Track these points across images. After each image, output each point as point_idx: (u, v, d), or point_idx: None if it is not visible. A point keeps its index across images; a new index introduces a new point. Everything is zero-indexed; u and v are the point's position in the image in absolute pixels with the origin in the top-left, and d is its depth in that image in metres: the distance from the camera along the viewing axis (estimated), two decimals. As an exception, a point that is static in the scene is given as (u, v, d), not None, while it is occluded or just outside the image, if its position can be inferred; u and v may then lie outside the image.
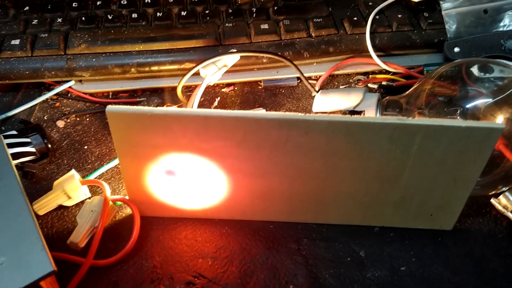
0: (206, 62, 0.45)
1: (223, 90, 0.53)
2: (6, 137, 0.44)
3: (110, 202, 0.38)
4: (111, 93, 0.53)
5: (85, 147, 0.46)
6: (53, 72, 0.51)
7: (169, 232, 0.39)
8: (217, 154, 0.34)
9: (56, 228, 0.39)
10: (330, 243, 0.38)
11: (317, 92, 0.46)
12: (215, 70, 0.46)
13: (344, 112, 0.41)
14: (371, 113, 0.41)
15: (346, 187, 0.36)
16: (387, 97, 0.43)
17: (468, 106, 0.40)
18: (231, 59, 0.47)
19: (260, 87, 0.54)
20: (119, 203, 0.40)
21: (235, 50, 0.47)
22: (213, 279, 0.36)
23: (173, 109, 0.31)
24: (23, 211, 0.29)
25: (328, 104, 0.42)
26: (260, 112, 0.31)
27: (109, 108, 0.32)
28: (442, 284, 0.36)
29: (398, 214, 0.38)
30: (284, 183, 0.36)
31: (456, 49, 0.53)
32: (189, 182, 0.37)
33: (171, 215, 0.39)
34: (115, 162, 0.43)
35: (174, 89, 0.53)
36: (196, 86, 0.50)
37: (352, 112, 0.41)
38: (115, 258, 0.36)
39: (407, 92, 0.43)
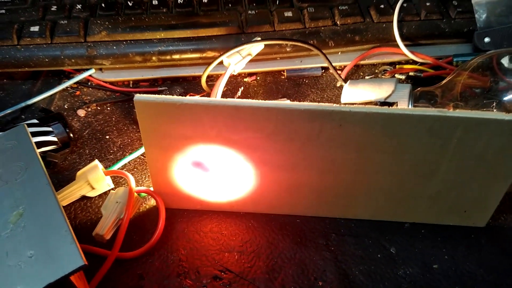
0: (230, 51, 0.44)
1: (245, 79, 0.52)
2: (28, 125, 0.43)
3: (135, 194, 0.37)
4: (131, 82, 0.52)
5: (107, 136, 0.45)
6: (73, 60, 0.50)
7: (194, 224, 0.38)
8: (246, 146, 0.33)
9: (80, 219, 0.38)
10: (360, 238, 0.37)
11: (344, 82, 0.45)
12: (239, 59, 0.45)
13: (375, 103, 0.39)
14: (403, 105, 0.39)
15: (379, 181, 0.35)
16: (419, 88, 0.41)
17: (504, 98, 0.38)
18: (256, 48, 0.46)
19: (283, 77, 0.52)
20: (143, 194, 0.39)
21: (259, 39, 0.46)
22: (240, 273, 0.35)
23: (203, 98, 0.30)
24: (51, 203, 0.28)
25: (358, 95, 0.41)
26: (292, 103, 0.30)
27: (137, 97, 0.31)
28: (476, 282, 0.35)
29: (431, 210, 0.37)
30: (314, 176, 0.35)
31: (487, 39, 0.51)
32: (216, 174, 0.36)
33: (196, 208, 0.39)
34: (138, 152, 0.42)
35: (196, 78, 0.52)
36: (218, 75, 0.48)
37: (384, 103, 0.39)
38: (140, 251, 0.35)
39: (440, 84, 0.41)
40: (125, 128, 0.46)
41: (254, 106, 0.30)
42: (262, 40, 0.45)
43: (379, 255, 0.36)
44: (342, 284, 0.35)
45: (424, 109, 0.30)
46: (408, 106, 0.40)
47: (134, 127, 0.46)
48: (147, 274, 0.35)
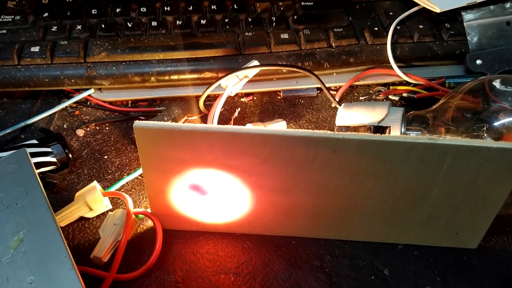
0: (228, 76, 0.45)
1: (242, 99, 0.53)
2: (27, 146, 0.44)
3: (133, 216, 0.37)
4: (130, 102, 0.52)
5: (105, 156, 0.46)
6: (73, 80, 0.51)
7: (191, 246, 0.38)
8: (242, 170, 0.34)
9: (78, 240, 0.39)
10: (354, 260, 0.38)
11: (339, 104, 0.46)
12: (236, 81, 0.46)
13: (368, 127, 0.40)
14: (396, 129, 0.40)
15: (372, 205, 0.36)
16: (411, 112, 0.42)
17: (495, 122, 0.39)
18: (252, 71, 0.47)
19: (279, 97, 0.53)
20: (141, 216, 0.40)
21: (257, 64, 0.47)
22: (236, 295, 0.36)
23: (200, 125, 0.31)
24: (51, 229, 0.29)
25: (352, 118, 0.42)
26: (287, 129, 0.30)
27: (137, 123, 0.31)
28: (468, 304, 0.36)
29: (423, 232, 0.38)
30: (308, 199, 0.36)
31: (478, 62, 0.52)
32: (213, 196, 0.36)
33: (193, 229, 0.39)
34: (136, 173, 0.43)
35: (194, 98, 0.53)
36: (216, 95, 0.49)
37: (377, 128, 0.40)
38: (137, 273, 0.36)
39: (432, 107, 0.42)
40: (123, 148, 0.47)
41: (250, 133, 0.31)
42: (258, 66, 0.46)
43: (373, 277, 0.37)
44: (336, 306, 0.35)
45: (415, 137, 0.31)
46: (401, 129, 0.41)
47: (132, 147, 0.47)
48: (144, 296, 0.35)
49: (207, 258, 0.38)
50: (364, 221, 0.37)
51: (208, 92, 0.45)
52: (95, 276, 0.35)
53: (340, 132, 0.31)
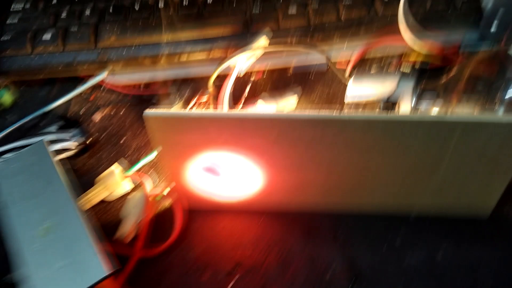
0: (236, 56, 0.45)
1: (251, 77, 0.53)
2: (46, 133, 0.45)
3: (152, 197, 0.39)
4: (142, 84, 0.53)
5: (122, 140, 0.48)
6: (85, 66, 0.52)
7: (208, 223, 0.40)
8: (253, 152, 0.35)
9: (102, 222, 0.41)
10: (366, 231, 0.39)
11: (348, 79, 0.46)
12: (244, 61, 0.46)
13: (378, 102, 0.40)
14: (407, 101, 0.40)
15: (382, 179, 0.37)
16: (423, 83, 0.42)
17: (509, 93, 0.39)
18: (260, 50, 0.47)
19: (290, 73, 0.53)
20: (159, 197, 0.41)
21: (266, 40, 0.47)
22: (253, 268, 0.37)
23: (209, 112, 0.32)
24: (74, 216, 0.31)
25: (361, 93, 0.42)
26: (293, 113, 0.31)
27: (147, 113, 0.32)
28: (480, 272, 0.37)
29: (435, 203, 0.38)
30: (319, 176, 0.37)
31: (493, 28, 0.51)
32: (227, 176, 0.38)
33: (210, 208, 0.41)
34: (152, 155, 0.44)
35: (204, 78, 0.53)
36: (225, 74, 0.50)
37: (387, 102, 0.40)
38: (160, 250, 0.38)
39: (444, 78, 0.42)
40: (139, 130, 0.48)
41: (257, 117, 0.32)
42: (263, 47, 0.47)
43: (385, 247, 0.38)
44: (350, 276, 0.37)
45: (422, 114, 0.31)
46: (412, 102, 0.41)
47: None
48: (167, 272, 0.37)
49: (224, 234, 0.39)
50: (375, 194, 0.38)
51: (216, 73, 0.45)
52: (120, 255, 0.37)
53: (348, 110, 0.31)
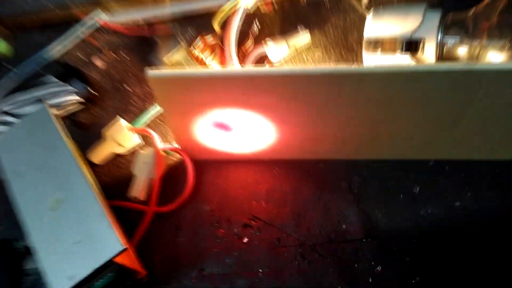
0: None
1: (260, 9, 0.49)
2: (47, 83, 0.43)
3: (162, 152, 0.38)
4: (143, 24, 0.49)
5: (127, 86, 0.45)
6: (82, 6, 0.48)
7: (222, 175, 0.40)
8: (265, 108, 0.33)
9: (115, 176, 0.40)
10: (382, 180, 0.38)
11: (367, 8, 0.42)
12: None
13: (400, 40, 0.37)
14: (431, 40, 0.36)
15: (401, 130, 0.35)
16: (450, 15, 0.38)
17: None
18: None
19: (302, 2, 0.49)
20: (170, 151, 0.40)
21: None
22: (268, 220, 0.37)
23: (217, 71, 0.29)
24: (84, 187, 0.30)
25: (382, 29, 0.38)
26: (308, 68, 0.28)
27: (151, 73, 0.30)
28: (498, 220, 0.36)
29: (456, 148, 0.37)
30: (335, 129, 0.35)
31: None
32: (237, 131, 0.36)
33: (222, 158, 0.40)
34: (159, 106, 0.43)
35: (209, 14, 0.49)
36: (232, 9, 0.45)
37: (409, 42, 0.36)
38: (174, 205, 0.38)
39: (474, 8, 0.37)
40: (143, 75, 0.46)
41: (270, 75, 0.29)
42: None
43: (401, 196, 0.37)
44: (365, 226, 0.36)
45: (448, 65, 0.28)
46: (437, 38, 0.37)
47: (152, 73, 0.46)
48: (183, 225, 0.38)
49: (238, 186, 0.39)
50: (394, 143, 0.36)
51: (222, 15, 0.41)
52: (135, 210, 0.38)
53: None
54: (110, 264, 0.27)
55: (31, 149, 0.32)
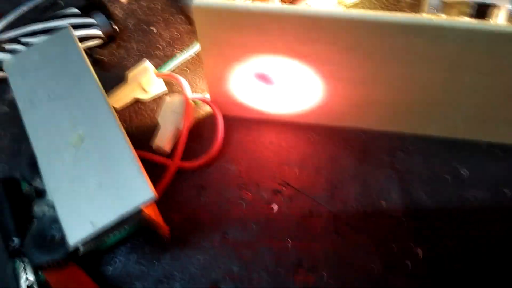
0: None
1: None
2: (68, 16, 0.39)
3: (191, 102, 0.35)
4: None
5: (153, 28, 0.41)
6: None
7: (253, 135, 0.36)
8: (316, 59, 0.29)
9: (136, 124, 0.37)
10: (429, 157, 0.35)
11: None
12: None
13: (471, 7, 0.33)
14: (504, 6, 0.32)
15: (464, 101, 0.31)
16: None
17: None
18: None
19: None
20: (199, 101, 0.37)
21: None
22: (301, 189, 0.34)
23: (272, 6, 0.25)
24: (112, 125, 0.26)
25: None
26: (379, 14, 0.25)
27: (196, 2, 0.26)
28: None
29: (514, 132, 0.33)
30: (390, 93, 0.31)
31: None
32: (278, 85, 0.32)
33: (254, 117, 0.36)
34: (190, 51, 0.39)
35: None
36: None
37: (481, 5, 0.32)
38: (200, 162, 0.34)
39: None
40: (173, 18, 0.42)
41: (334, 17, 0.25)
42: None
43: (447, 176, 0.34)
44: (406, 205, 0.33)
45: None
46: (510, 5, 0.33)
47: (182, 17, 0.42)
48: (208, 185, 0.34)
49: (270, 148, 0.35)
50: (448, 117, 0.33)
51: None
52: (158, 163, 0.34)
53: (438, 15, 0.25)
54: (138, 213, 0.24)
55: (49, 75, 0.28)
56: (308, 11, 0.26)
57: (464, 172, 0.34)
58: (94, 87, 0.28)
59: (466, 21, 0.25)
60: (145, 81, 0.35)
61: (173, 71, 0.38)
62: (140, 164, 0.26)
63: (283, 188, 0.34)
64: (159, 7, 0.43)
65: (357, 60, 0.29)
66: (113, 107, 0.36)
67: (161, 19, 0.42)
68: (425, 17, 0.25)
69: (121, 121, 0.36)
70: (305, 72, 0.30)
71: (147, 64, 0.36)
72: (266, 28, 0.27)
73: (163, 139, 0.33)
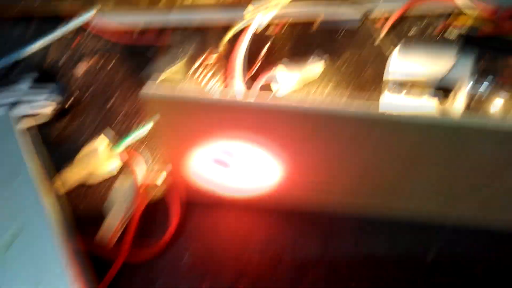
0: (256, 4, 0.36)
1: (270, 31, 0.44)
2: (20, 89, 0.37)
3: (144, 186, 0.32)
4: (137, 31, 0.44)
5: (111, 100, 0.40)
6: (68, 2, 0.42)
7: (210, 220, 0.34)
8: (275, 145, 0.28)
9: (84, 207, 0.34)
10: (395, 239, 0.33)
11: (391, 45, 0.38)
12: (265, 11, 0.37)
13: (429, 85, 0.33)
14: (464, 86, 0.32)
15: (427, 184, 0.30)
16: (483, 63, 0.34)
17: None
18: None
19: (314, 29, 0.44)
20: (153, 185, 0.34)
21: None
22: (261, 278, 0.32)
23: (226, 99, 0.24)
24: (47, 225, 0.24)
25: (408, 69, 0.34)
26: (336, 106, 0.24)
27: (144, 91, 0.25)
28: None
29: (482, 213, 0.32)
30: (352, 176, 0.30)
31: None
32: (237, 168, 0.31)
33: (212, 200, 0.34)
34: (147, 127, 0.37)
35: (214, 28, 0.44)
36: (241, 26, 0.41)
37: (441, 86, 0.32)
38: (151, 254, 0.31)
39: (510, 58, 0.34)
40: (132, 89, 0.40)
41: (289, 110, 0.24)
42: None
43: (413, 263, 0.32)
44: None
45: (499, 121, 0.24)
46: (469, 86, 0.33)
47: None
48: (159, 279, 0.31)
49: (228, 235, 0.33)
50: (412, 201, 0.32)
51: (233, 32, 0.36)
52: (102, 258, 0.31)
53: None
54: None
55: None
56: (263, 104, 0.24)
57: (430, 258, 0.33)
58: (31, 180, 0.26)
59: (428, 114, 0.24)
60: (96, 161, 0.33)
61: (128, 147, 0.36)
62: (76, 261, 0.23)
63: (242, 279, 0.32)
64: (118, 78, 0.41)
65: (317, 147, 0.28)
66: (61, 189, 0.34)
67: (120, 91, 0.40)
68: (381, 111, 0.24)
69: (67, 205, 0.34)
70: (263, 155, 0.29)
71: (98, 142, 0.33)
72: (223, 117, 0.26)
73: (109, 230, 0.30)
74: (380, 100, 0.35)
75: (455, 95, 0.33)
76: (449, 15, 0.44)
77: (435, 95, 0.33)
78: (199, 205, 0.34)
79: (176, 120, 0.27)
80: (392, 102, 0.35)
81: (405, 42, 0.37)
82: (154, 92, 0.24)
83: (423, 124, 0.24)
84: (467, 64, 0.33)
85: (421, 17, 0.45)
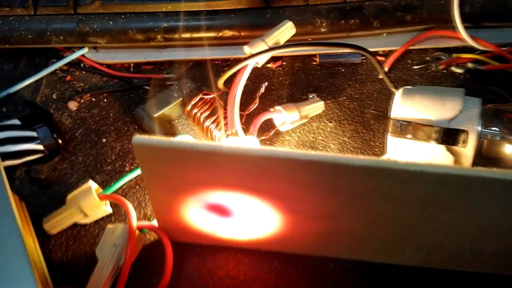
0: (254, 42, 0.35)
1: (268, 65, 0.43)
2: (7, 128, 0.36)
3: (137, 231, 0.30)
4: (132, 66, 0.43)
5: (104, 139, 0.38)
6: (61, 37, 0.41)
7: (207, 266, 0.32)
8: (274, 196, 0.26)
9: (73, 252, 0.32)
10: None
11: (395, 88, 0.37)
12: (262, 49, 0.36)
13: (436, 127, 0.31)
14: (472, 132, 0.31)
15: (438, 236, 0.28)
16: (491, 106, 0.33)
17: None
18: (285, 35, 0.37)
19: (315, 63, 0.43)
20: (146, 229, 0.33)
21: (291, 25, 0.37)
22: (261, 332, 0.30)
23: (220, 146, 0.22)
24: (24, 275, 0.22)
25: (414, 110, 0.33)
26: (340, 156, 0.22)
27: (136, 140, 0.23)
28: None
29: (496, 262, 0.30)
30: (358, 227, 0.28)
31: None
32: (235, 219, 0.29)
33: (209, 243, 0.32)
34: (139, 170, 0.35)
35: (211, 63, 0.43)
36: (238, 59, 0.39)
37: (448, 131, 0.31)
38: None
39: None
40: (125, 128, 0.39)
41: (290, 158, 0.23)
42: (290, 45, 0.36)
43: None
44: None
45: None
46: (478, 129, 0.31)
47: (136, 127, 0.39)
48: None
49: (226, 283, 0.31)
50: (423, 249, 0.30)
51: (231, 73, 0.35)
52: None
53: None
54: None
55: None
56: (260, 152, 0.23)
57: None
58: (15, 232, 0.24)
59: (439, 165, 0.22)
60: (86, 205, 0.31)
61: (120, 188, 0.35)
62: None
63: (242, 331, 0.30)
64: (112, 116, 0.40)
65: (319, 197, 0.26)
66: (49, 232, 0.32)
67: (113, 129, 0.39)
68: (390, 161, 0.23)
69: (54, 248, 0.32)
70: (261, 206, 0.27)
71: (89, 185, 0.32)
72: (217, 166, 0.24)
73: (99, 280, 0.28)
74: (385, 142, 0.34)
75: (464, 139, 0.31)
76: (455, 49, 0.44)
77: (445, 140, 0.31)
78: (197, 246, 0.32)
79: (170, 169, 0.25)
80: (395, 146, 0.33)
81: (407, 87, 0.35)
82: (145, 140, 0.23)
83: (445, 175, 0.22)
84: (475, 107, 0.32)
85: (424, 50, 0.44)
